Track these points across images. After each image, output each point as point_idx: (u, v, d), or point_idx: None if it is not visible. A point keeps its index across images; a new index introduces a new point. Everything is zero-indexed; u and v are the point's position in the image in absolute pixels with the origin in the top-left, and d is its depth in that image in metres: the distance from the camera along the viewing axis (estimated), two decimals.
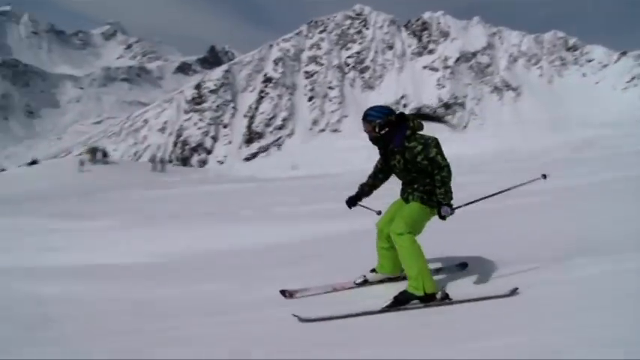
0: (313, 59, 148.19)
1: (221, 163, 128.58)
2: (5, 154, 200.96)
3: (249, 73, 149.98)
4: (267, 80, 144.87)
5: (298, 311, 4.27)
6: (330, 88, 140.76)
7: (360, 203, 5.24)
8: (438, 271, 5.33)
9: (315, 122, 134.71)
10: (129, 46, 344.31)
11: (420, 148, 4.50)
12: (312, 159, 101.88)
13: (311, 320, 4.12)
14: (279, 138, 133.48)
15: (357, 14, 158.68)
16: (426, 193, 4.64)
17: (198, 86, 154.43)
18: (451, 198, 4.53)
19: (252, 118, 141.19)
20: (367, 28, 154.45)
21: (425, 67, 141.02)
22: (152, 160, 55.05)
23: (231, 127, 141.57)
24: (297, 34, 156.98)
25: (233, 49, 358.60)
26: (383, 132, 4.67)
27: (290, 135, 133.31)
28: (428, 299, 4.42)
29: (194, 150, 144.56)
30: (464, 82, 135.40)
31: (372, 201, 5.16)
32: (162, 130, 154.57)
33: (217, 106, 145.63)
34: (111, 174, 38.41)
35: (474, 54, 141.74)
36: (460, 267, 5.46)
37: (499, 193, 5.22)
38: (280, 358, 3.49)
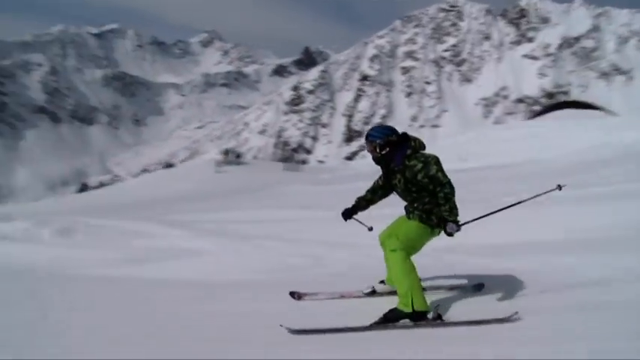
0: (409, 55, 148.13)
1: (321, 162, 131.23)
2: (116, 162, 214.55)
3: (346, 72, 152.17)
4: (364, 78, 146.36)
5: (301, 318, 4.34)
6: (428, 83, 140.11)
7: (355, 217, 5.24)
8: (447, 290, 5.23)
9: (413, 118, 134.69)
10: (226, 52, 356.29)
11: (420, 166, 4.50)
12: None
13: (300, 332, 4.13)
14: None
15: (451, 6, 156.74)
16: (426, 212, 4.62)
17: (295, 88, 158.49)
18: (456, 214, 4.51)
19: (350, 116, 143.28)
20: (462, 20, 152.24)
21: (525, 56, 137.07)
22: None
23: (330, 127, 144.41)
24: (392, 30, 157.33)
25: (327, 49, 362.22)
26: (384, 152, 4.70)
27: None
28: (418, 317, 4.41)
29: (294, 150, 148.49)
30: (567, 69, 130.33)
31: (372, 209, 5.10)
32: (263, 132, 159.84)
33: (315, 107, 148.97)
34: (248, 173, 39.01)
35: (577, 38, 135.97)
36: (476, 288, 5.32)
37: (515, 204, 5.10)
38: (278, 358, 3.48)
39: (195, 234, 8.28)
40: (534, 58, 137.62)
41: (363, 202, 5.14)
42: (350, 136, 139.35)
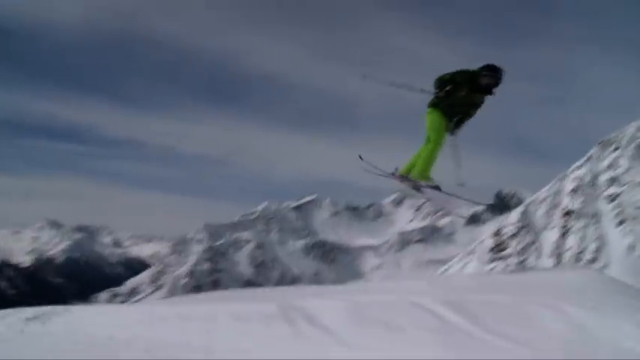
0: (613, 181, 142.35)
1: None
2: None
3: (547, 209, 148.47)
4: (567, 213, 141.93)
5: None
6: (639, 207, 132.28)
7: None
8: None
9: (630, 247, 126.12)
10: (418, 208, 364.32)
11: None
12: None
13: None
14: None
15: None
16: None
17: (497, 233, 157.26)
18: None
19: (559, 255, 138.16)
20: None
21: None
22: None
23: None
24: (589, 158, 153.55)
25: (519, 189, 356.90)
26: None
27: (605, 266, 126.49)
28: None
29: None
30: None
31: None
32: None
33: (520, 250, 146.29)
34: None
35: None
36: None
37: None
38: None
39: None
40: None
41: None
42: None
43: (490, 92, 8.36)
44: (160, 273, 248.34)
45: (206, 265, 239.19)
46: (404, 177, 8.64)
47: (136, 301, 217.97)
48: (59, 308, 8.93)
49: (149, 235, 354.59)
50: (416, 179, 8.34)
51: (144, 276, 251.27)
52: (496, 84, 8.28)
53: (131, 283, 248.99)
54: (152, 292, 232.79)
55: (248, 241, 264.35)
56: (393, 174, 8.78)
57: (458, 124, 8.60)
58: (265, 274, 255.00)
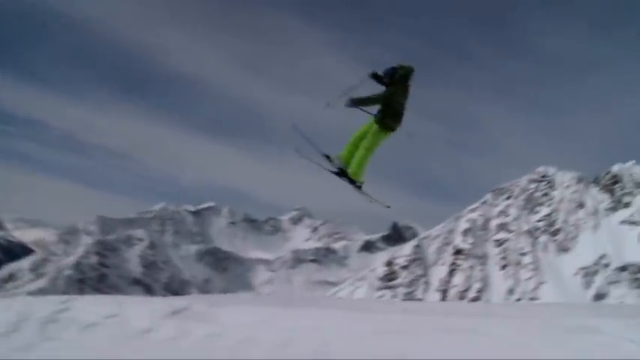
0: (502, 227, 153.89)
1: None
2: None
3: (439, 246, 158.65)
4: (458, 252, 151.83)
5: None
6: (523, 254, 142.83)
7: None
8: None
9: (510, 291, 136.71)
10: (315, 229, 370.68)
11: None
12: None
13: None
14: None
15: (542, 176, 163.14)
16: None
17: (389, 263, 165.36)
18: None
19: (445, 291, 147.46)
20: (554, 189, 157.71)
21: (623, 222, 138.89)
22: None
23: (424, 302, 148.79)
24: (483, 203, 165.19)
25: (415, 223, 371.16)
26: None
27: None
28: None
29: None
30: None
31: None
32: None
33: (409, 282, 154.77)
34: None
35: None
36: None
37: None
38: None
39: None
40: (633, 223, 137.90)
41: None
42: None
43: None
44: (44, 261, 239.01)
45: (94, 259, 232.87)
46: (336, 162, 9.38)
47: (13, 289, 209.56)
48: None
49: (35, 220, 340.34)
50: (349, 173, 9.21)
51: (24, 262, 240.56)
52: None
53: (9, 268, 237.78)
54: (31, 280, 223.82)
55: (141, 240, 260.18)
56: (327, 157, 9.35)
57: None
58: (154, 275, 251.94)
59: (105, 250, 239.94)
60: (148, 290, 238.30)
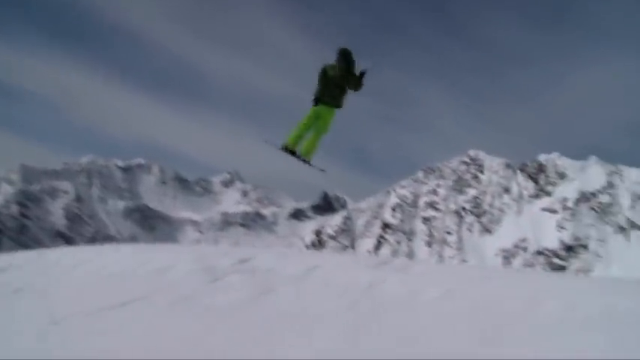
0: (430, 205, 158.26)
1: None
2: None
3: (368, 219, 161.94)
4: (386, 226, 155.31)
5: None
6: (448, 233, 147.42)
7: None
8: None
9: None
10: (245, 193, 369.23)
11: None
12: None
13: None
14: None
15: (472, 159, 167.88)
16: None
17: (318, 232, 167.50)
18: None
19: None
20: (483, 173, 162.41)
21: (544, 210, 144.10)
22: None
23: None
24: (414, 180, 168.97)
25: (345, 195, 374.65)
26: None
27: None
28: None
29: None
30: (585, 222, 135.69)
31: None
32: None
33: (337, 252, 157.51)
34: None
35: (594, 194, 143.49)
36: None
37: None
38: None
39: None
40: (553, 211, 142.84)
41: None
42: None
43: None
44: None
45: (15, 209, 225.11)
46: (297, 153, 10.00)
47: None
48: None
49: None
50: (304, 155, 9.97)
51: None
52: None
53: None
54: None
55: (66, 192, 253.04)
56: (291, 151, 9.97)
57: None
58: (79, 228, 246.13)
59: (27, 200, 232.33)
60: (71, 244, 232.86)
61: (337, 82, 9.61)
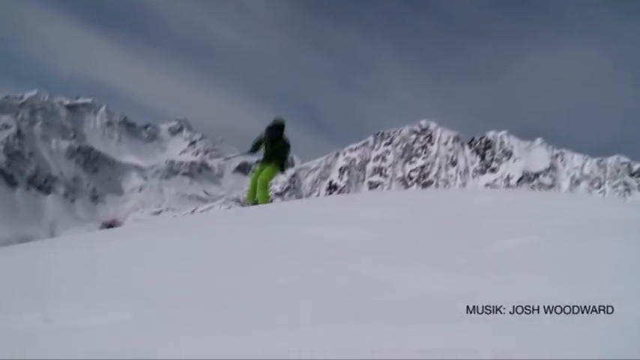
0: (378, 170, 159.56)
1: None
2: (66, 235, 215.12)
3: (315, 179, 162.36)
4: (332, 187, 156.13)
5: None
6: None
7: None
8: None
9: None
10: (193, 142, 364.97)
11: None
12: None
13: None
14: None
15: (423, 129, 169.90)
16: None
17: None
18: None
19: None
20: (432, 144, 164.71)
21: (487, 185, 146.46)
22: None
23: None
24: (364, 144, 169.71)
25: (293, 153, 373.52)
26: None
27: None
28: None
29: None
30: None
31: None
32: None
33: None
34: None
35: (537, 174, 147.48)
36: None
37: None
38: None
39: None
40: (496, 187, 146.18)
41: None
42: None
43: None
44: None
45: None
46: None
47: None
48: None
49: None
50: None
51: None
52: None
53: None
54: None
55: (7, 127, 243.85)
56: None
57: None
58: (19, 166, 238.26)
59: None
60: (10, 182, 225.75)
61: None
